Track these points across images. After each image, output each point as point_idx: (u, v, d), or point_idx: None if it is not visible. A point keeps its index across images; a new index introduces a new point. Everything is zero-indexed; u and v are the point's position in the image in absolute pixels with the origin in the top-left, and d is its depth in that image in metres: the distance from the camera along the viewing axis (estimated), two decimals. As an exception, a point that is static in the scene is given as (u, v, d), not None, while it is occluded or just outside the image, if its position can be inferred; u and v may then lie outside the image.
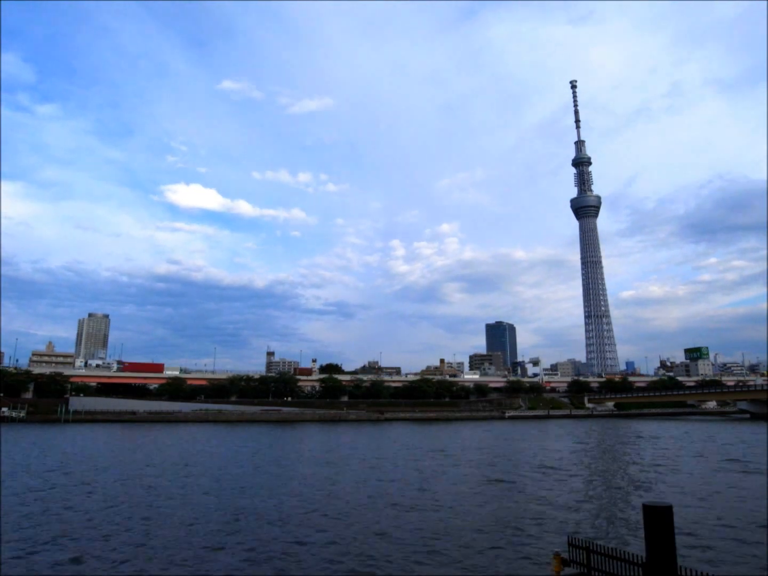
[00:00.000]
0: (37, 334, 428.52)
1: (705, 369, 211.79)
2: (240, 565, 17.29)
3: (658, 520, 10.69)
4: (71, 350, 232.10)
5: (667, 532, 10.59)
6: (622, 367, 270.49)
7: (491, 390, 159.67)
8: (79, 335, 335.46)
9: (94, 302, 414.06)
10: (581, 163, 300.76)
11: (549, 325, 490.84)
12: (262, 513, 24.83)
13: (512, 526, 22.19)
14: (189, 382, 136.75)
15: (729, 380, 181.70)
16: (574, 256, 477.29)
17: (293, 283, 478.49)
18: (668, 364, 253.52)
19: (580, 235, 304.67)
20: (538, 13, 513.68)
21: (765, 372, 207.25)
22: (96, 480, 34.66)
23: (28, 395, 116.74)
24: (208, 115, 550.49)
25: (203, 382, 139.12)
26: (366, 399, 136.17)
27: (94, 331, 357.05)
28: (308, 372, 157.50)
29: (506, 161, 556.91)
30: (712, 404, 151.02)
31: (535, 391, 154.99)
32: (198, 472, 38.58)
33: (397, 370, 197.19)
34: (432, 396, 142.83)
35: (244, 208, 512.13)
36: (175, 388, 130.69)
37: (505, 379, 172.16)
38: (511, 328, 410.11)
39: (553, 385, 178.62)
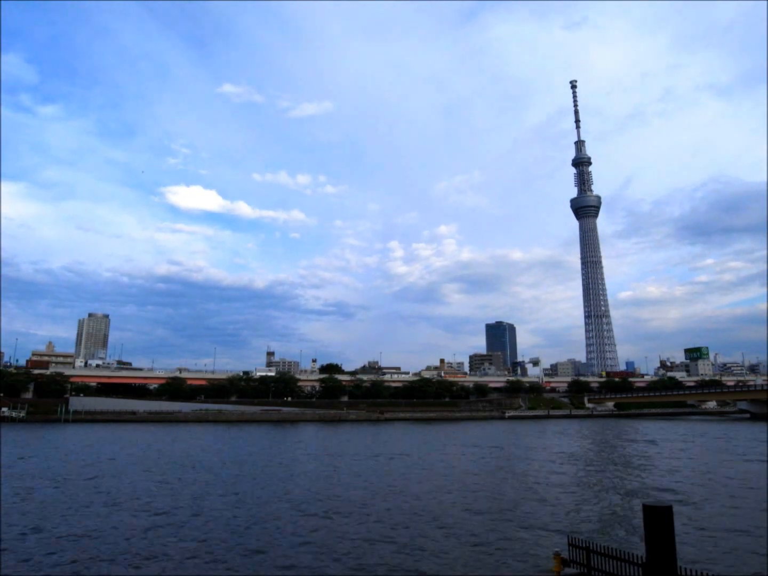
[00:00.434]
0: (37, 334, 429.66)
1: (705, 369, 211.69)
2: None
3: (658, 520, 10.70)
4: (71, 350, 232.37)
5: (667, 532, 10.60)
6: (622, 367, 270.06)
7: (491, 390, 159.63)
8: (79, 335, 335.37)
9: (94, 303, 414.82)
10: (581, 163, 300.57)
11: (547, 326, 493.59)
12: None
13: (512, 526, 22.21)
14: (189, 382, 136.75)
15: (729, 380, 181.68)
16: (571, 257, 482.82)
17: (293, 283, 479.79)
18: (668, 364, 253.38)
19: (580, 235, 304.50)
20: (536, 16, 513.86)
21: (766, 372, 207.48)
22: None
23: (28, 395, 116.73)
24: (209, 116, 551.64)
25: (203, 382, 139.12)
26: (366, 399, 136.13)
27: (94, 331, 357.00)
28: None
29: (503, 164, 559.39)
30: (712, 404, 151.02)
31: (535, 391, 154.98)
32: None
33: (397, 370, 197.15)
34: (432, 396, 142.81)
35: (243, 209, 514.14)
36: (175, 388, 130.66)
37: (505, 379, 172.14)
38: (511, 328, 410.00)
39: (553, 385, 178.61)
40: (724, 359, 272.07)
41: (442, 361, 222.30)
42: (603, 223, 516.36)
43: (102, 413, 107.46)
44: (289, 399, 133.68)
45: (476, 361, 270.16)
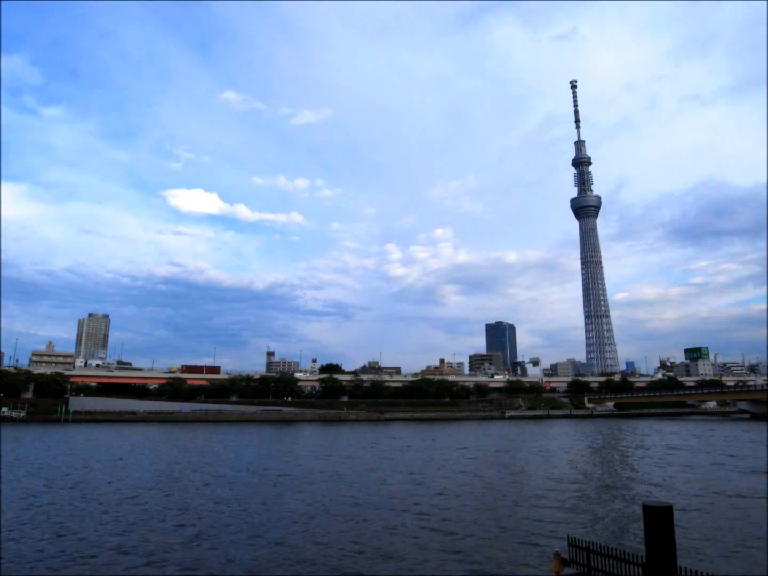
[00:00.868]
0: (37, 334, 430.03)
1: (705, 369, 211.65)
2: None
3: (658, 520, 10.69)
4: (71, 350, 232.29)
5: (667, 532, 10.59)
6: (622, 367, 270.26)
7: (491, 390, 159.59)
8: (79, 335, 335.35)
9: (95, 304, 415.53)
10: (581, 163, 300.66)
11: (545, 327, 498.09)
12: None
13: (512, 526, 22.21)
14: (189, 382, 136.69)
15: (729, 380, 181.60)
16: (566, 260, 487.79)
17: (293, 285, 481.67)
18: (668, 364, 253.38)
19: (580, 235, 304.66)
20: (532, 20, 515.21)
21: (766, 372, 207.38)
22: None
23: (28, 395, 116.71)
24: (211, 119, 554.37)
25: (203, 382, 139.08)
26: (366, 399, 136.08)
27: (94, 332, 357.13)
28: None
29: (499, 167, 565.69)
30: (712, 404, 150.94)
31: (535, 391, 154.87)
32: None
33: (397, 370, 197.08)
34: (432, 396, 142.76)
35: (243, 212, 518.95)
36: (175, 388, 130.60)
37: (505, 379, 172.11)
38: (511, 328, 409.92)
39: (553, 385, 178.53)
40: (723, 359, 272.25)
41: (442, 361, 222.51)
42: (598, 227, 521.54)
43: (102, 413, 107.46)
44: (289, 399, 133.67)
45: (476, 361, 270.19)
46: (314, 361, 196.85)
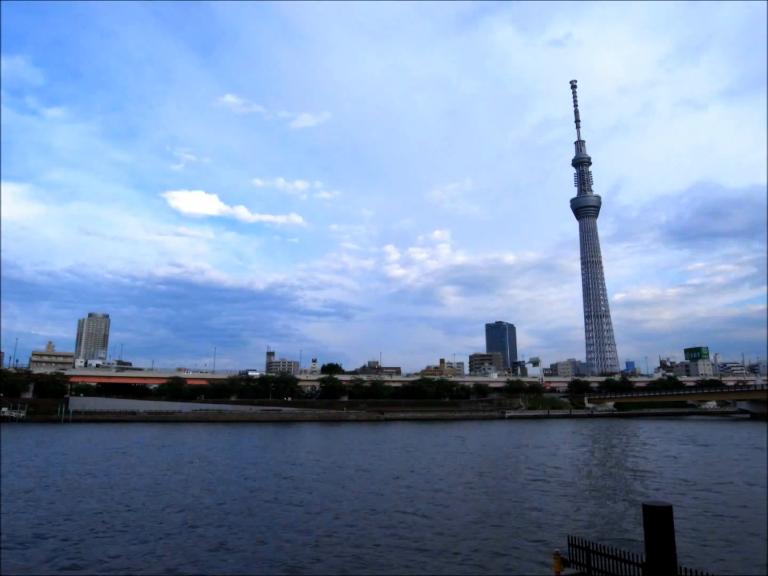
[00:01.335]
0: (38, 334, 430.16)
1: (705, 369, 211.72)
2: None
3: (658, 520, 10.69)
4: (71, 351, 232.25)
5: (667, 532, 10.59)
6: (622, 367, 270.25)
7: (491, 390, 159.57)
8: (79, 335, 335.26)
9: (96, 304, 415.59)
10: (581, 163, 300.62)
11: (544, 327, 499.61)
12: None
13: (512, 526, 22.21)
14: (189, 382, 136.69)
15: (729, 380, 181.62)
16: (563, 261, 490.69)
17: (292, 285, 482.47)
18: (668, 364, 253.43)
19: (580, 235, 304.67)
20: (527, 26, 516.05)
21: (766, 372, 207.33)
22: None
23: (28, 395, 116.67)
24: (212, 120, 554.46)
25: (203, 382, 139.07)
26: (366, 399, 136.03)
27: (94, 332, 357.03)
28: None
29: (496, 169, 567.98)
30: (712, 404, 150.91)
31: (535, 391, 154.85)
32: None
33: (397, 370, 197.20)
34: (432, 396, 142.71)
35: (243, 214, 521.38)
36: (175, 388, 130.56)
37: (505, 379, 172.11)
38: (511, 328, 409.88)
39: (553, 385, 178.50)
40: (723, 359, 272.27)
41: (442, 361, 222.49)
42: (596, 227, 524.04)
43: (102, 413, 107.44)
44: (289, 399, 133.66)
45: (476, 361, 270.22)
46: (314, 361, 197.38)
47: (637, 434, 75.58)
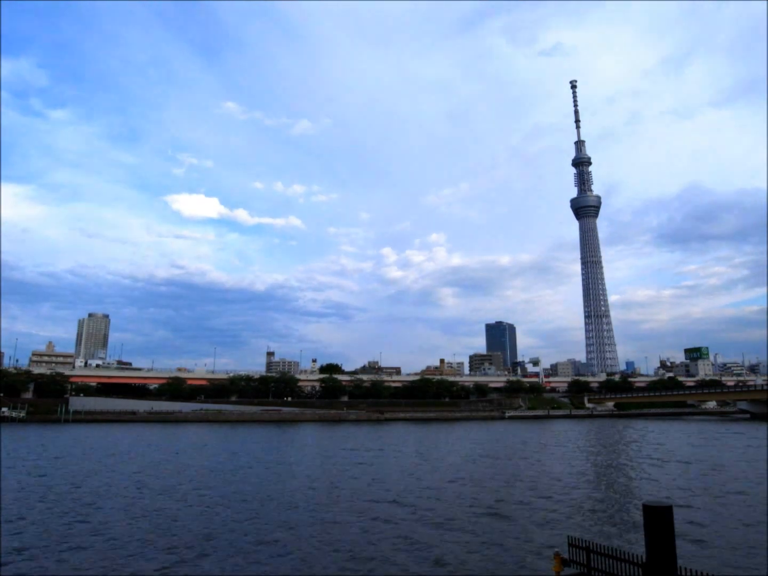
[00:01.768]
0: (38, 335, 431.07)
1: (705, 369, 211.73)
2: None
3: (658, 520, 10.69)
4: (71, 351, 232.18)
5: (667, 532, 10.59)
6: (622, 367, 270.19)
7: (491, 390, 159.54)
8: (79, 335, 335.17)
9: (96, 305, 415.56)
10: (581, 163, 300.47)
11: (544, 327, 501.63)
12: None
13: (512, 526, 22.20)
14: (189, 382, 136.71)
15: (729, 380, 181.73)
16: (560, 263, 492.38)
17: (292, 287, 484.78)
18: (668, 364, 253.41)
19: (580, 235, 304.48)
20: (517, 37, 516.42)
21: (766, 372, 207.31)
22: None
23: (28, 395, 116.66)
24: (213, 123, 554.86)
25: (203, 382, 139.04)
26: (366, 399, 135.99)
27: (94, 332, 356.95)
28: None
29: (492, 173, 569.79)
30: (712, 404, 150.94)
31: (535, 391, 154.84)
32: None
33: (397, 370, 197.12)
34: (432, 396, 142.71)
35: (243, 216, 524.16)
36: (175, 388, 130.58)
37: (505, 379, 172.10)
38: (511, 328, 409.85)
39: (553, 385, 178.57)
40: (723, 359, 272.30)
41: (442, 361, 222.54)
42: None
43: (102, 413, 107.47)
44: (289, 399, 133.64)
45: (476, 361, 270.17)
46: (314, 361, 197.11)
47: (637, 434, 75.54)
